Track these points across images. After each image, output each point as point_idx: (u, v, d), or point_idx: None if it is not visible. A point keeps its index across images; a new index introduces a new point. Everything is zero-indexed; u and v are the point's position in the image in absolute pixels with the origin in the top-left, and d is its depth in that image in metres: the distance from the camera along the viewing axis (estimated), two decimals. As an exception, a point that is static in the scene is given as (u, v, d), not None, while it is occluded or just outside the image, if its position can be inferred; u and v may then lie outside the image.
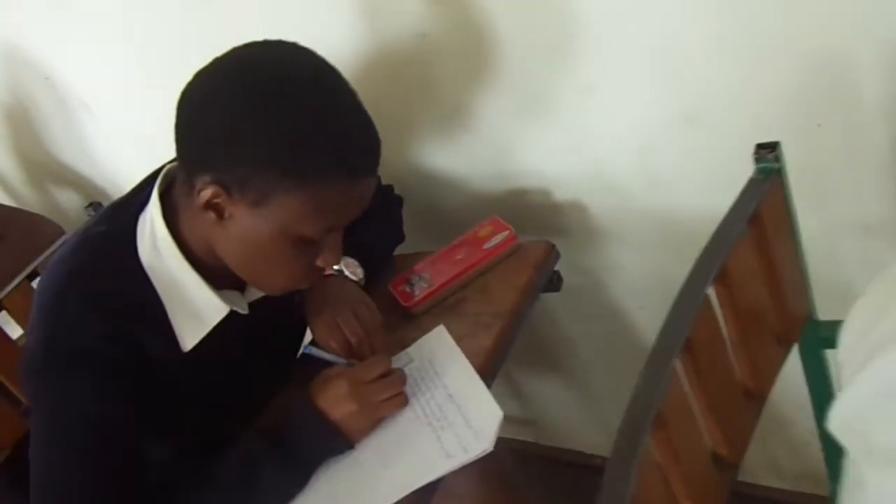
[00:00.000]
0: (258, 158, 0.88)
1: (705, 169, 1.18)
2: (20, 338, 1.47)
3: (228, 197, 0.90)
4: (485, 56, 1.25)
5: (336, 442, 1.02)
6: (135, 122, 1.85)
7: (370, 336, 1.14)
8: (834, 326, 0.98)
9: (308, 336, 1.25)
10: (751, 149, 1.11)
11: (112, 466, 0.96)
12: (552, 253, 1.26)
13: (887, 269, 0.62)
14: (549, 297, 1.31)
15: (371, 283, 1.27)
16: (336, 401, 1.02)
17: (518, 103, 1.28)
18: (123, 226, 1.01)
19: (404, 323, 1.24)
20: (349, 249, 1.12)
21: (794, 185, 0.99)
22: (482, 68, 1.27)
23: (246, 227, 0.93)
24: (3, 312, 1.42)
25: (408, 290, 1.26)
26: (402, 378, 1.06)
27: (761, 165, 0.84)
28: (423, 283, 1.26)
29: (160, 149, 1.81)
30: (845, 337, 0.62)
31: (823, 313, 1.07)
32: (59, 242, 1.57)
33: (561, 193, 1.36)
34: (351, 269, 1.24)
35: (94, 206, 1.60)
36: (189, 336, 1.02)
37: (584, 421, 1.77)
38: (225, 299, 1.03)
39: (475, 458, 0.97)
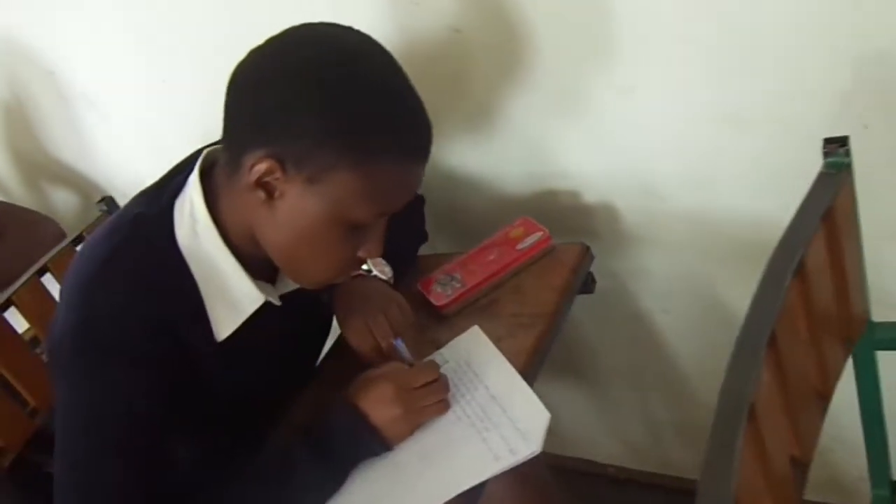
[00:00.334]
0: (321, 132, 0.85)
1: (745, 171, 1.17)
2: (26, 331, 1.41)
3: (283, 173, 0.87)
4: (519, 53, 1.23)
5: (375, 444, 0.99)
6: (140, 120, 1.81)
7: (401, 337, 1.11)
8: (890, 329, 0.98)
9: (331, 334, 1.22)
10: (794, 151, 1.11)
11: (145, 463, 0.92)
12: (587, 254, 1.24)
13: None
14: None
15: (396, 283, 1.24)
16: (379, 403, 0.99)
17: (552, 102, 1.26)
18: (160, 209, 0.97)
19: (435, 323, 1.22)
20: None
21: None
22: (516, 65, 1.24)
23: (296, 207, 0.90)
24: (12, 309, 1.36)
25: (439, 290, 1.23)
26: (446, 384, 1.03)
27: (831, 160, 0.82)
28: (455, 283, 1.23)
29: (165, 147, 1.79)
30: None
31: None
32: (64, 243, 1.50)
33: (591, 195, 1.34)
34: (379, 268, 1.21)
35: (105, 201, 1.55)
36: (224, 325, 0.99)
37: (601, 429, 1.75)
38: (260, 289, 0.99)
39: (523, 461, 0.94)
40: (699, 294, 1.38)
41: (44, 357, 1.43)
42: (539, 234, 1.25)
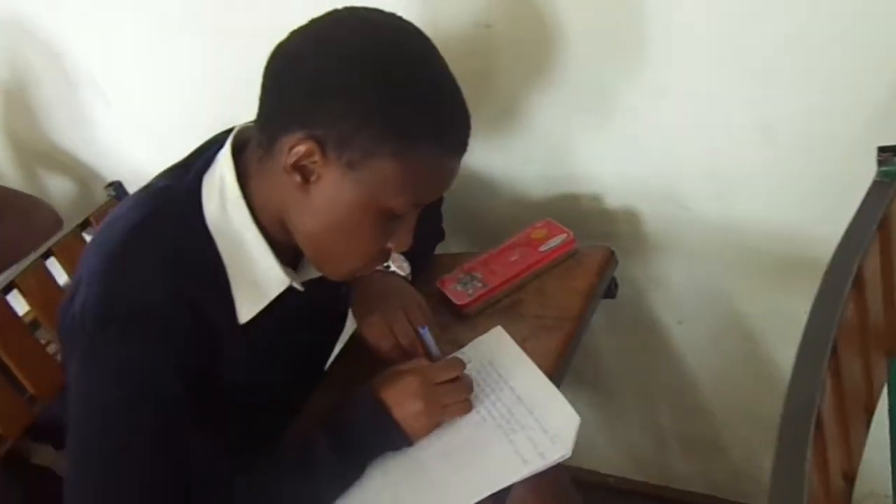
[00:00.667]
0: (364, 117, 0.84)
1: (776, 182, 1.16)
2: (26, 314, 1.37)
3: (322, 156, 0.85)
4: (549, 51, 1.21)
5: (395, 438, 0.97)
6: (146, 108, 1.77)
7: (421, 337, 1.09)
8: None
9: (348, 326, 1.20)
10: (828, 164, 1.10)
11: (170, 446, 0.89)
12: (612, 259, 1.22)
13: None
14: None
15: (414, 281, 1.22)
16: (403, 397, 0.97)
17: (579, 102, 1.24)
18: (188, 184, 0.94)
19: (455, 323, 1.19)
20: None
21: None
22: (545, 64, 1.23)
23: (332, 192, 0.88)
24: (14, 292, 1.32)
25: (459, 289, 1.21)
26: (469, 384, 1.01)
27: (885, 168, 0.81)
28: (476, 282, 1.21)
29: (171, 136, 1.76)
30: None
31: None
32: (70, 227, 1.46)
33: (612, 199, 1.33)
34: (398, 264, 1.19)
35: (114, 185, 1.51)
36: (247, 307, 0.96)
37: (603, 438, 1.73)
38: (285, 273, 0.97)
39: (552, 465, 0.92)
40: (716, 306, 1.37)
41: (44, 342, 1.39)
42: (563, 236, 1.23)
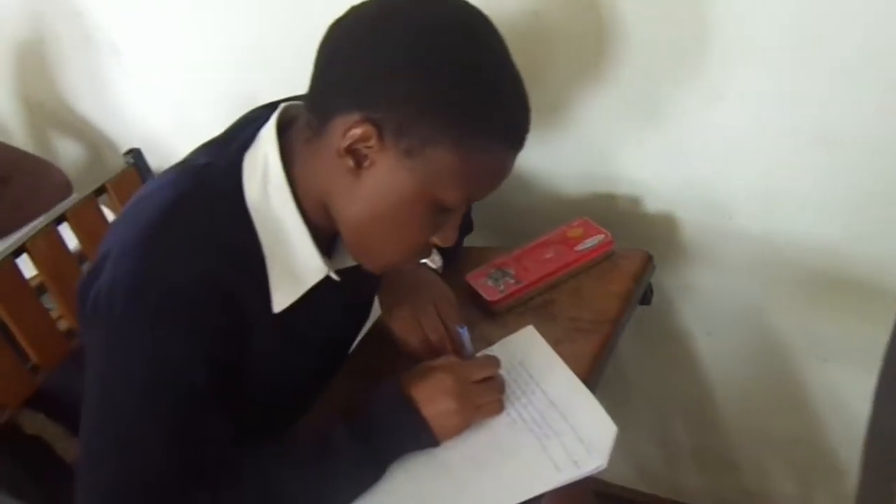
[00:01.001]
0: (428, 103, 0.79)
1: (827, 195, 1.12)
2: (32, 278, 1.31)
3: (379, 140, 0.81)
4: (601, 45, 1.17)
5: (422, 437, 0.93)
6: (166, 74, 1.71)
7: (451, 333, 1.04)
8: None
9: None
10: (885, 181, 1.06)
11: (185, 434, 0.85)
12: (650, 264, 1.18)
13: None
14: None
15: (442, 274, 1.18)
16: (435, 395, 0.92)
17: (629, 102, 1.20)
18: (228, 162, 0.89)
19: (484, 319, 1.15)
20: None
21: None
22: (595, 59, 1.18)
23: (385, 179, 0.83)
24: (24, 256, 1.27)
25: (490, 284, 1.16)
26: (502, 383, 0.97)
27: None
28: (508, 279, 1.16)
29: (189, 105, 1.71)
30: None
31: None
32: (85, 193, 1.40)
33: (652, 204, 1.28)
34: (430, 257, 1.15)
35: (133, 153, 1.46)
36: (282, 296, 0.91)
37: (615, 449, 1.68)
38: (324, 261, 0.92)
39: (587, 475, 0.88)
40: (748, 320, 1.33)
41: (50, 307, 1.33)
42: (601, 236, 1.18)
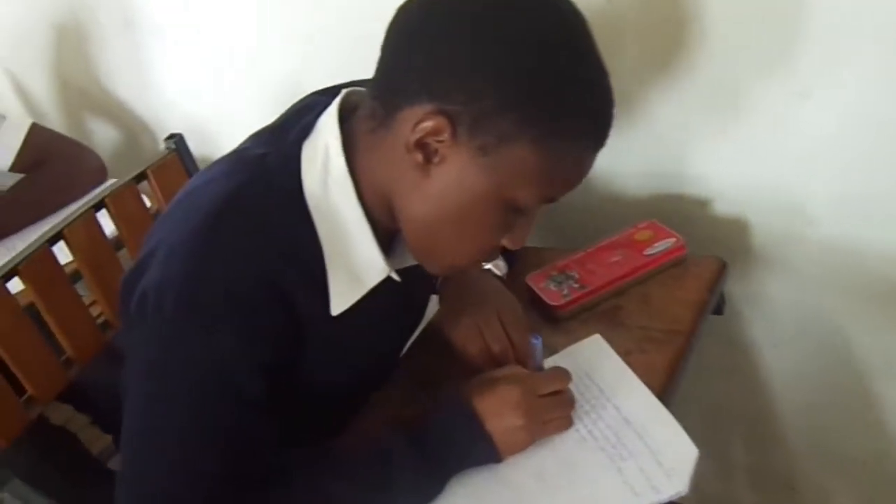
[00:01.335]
0: (508, 96, 0.72)
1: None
2: (67, 264, 1.26)
3: (453, 136, 0.74)
4: (675, 35, 1.10)
5: (485, 453, 0.86)
6: (208, 59, 1.66)
7: (516, 344, 0.97)
8: None
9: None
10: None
11: (235, 443, 0.80)
12: (724, 271, 1.10)
13: None
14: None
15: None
16: (501, 409, 0.85)
17: (704, 97, 1.12)
18: (286, 152, 0.83)
19: (545, 325, 1.08)
20: None
21: None
22: (671, 50, 1.11)
23: (455, 177, 0.76)
24: (61, 244, 1.21)
25: (553, 288, 1.09)
26: (572, 398, 0.90)
27: None
28: (572, 282, 1.09)
29: (230, 92, 1.65)
30: None
31: None
32: (125, 179, 1.34)
33: (723, 206, 1.21)
34: (494, 262, 1.08)
35: (175, 139, 1.40)
36: (341, 297, 0.85)
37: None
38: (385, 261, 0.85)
39: (666, 501, 0.81)
40: (820, 333, 1.25)
41: (82, 293, 1.28)
42: (671, 240, 1.11)
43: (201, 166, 1.51)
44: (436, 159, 0.76)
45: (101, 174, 1.72)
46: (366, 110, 0.82)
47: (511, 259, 1.15)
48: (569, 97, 0.75)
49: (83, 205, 1.24)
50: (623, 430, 0.88)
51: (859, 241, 1.11)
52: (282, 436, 0.91)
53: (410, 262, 0.90)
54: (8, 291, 1.13)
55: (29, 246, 1.16)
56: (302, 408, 0.92)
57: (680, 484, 0.82)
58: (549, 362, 0.97)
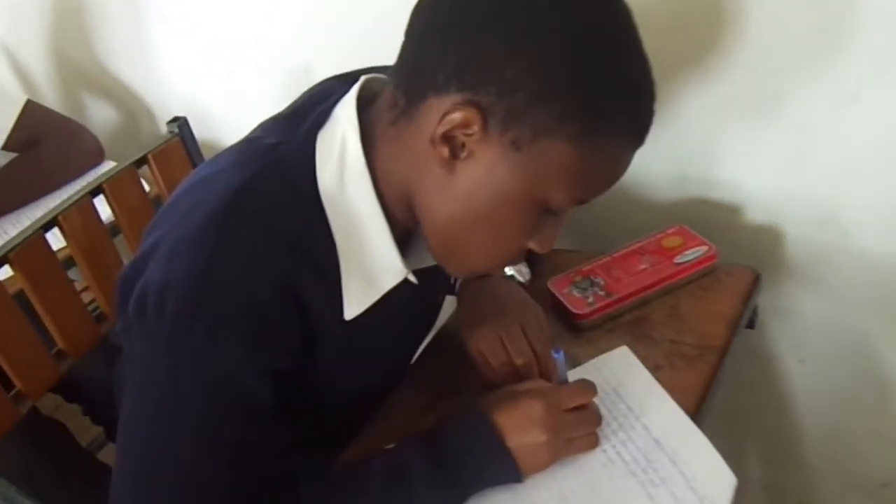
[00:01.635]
0: (546, 88, 0.66)
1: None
2: (60, 249, 1.19)
3: (483, 128, 0.68)
4: (715, 31, 1.03)
5: (506, 471, 0.80)
6: (213, 45, 1.58)
7: (539, 357, 0.90)
8: None
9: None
10: None
11: (241, 458, 0.74)
12: (758, 283, 1.04)
13: None
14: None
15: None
16: (524, 424, 0.79)
17: (742, 99, 1.07)
18: (299, 142, 0.76)
19: (566, 333, 1.02)
20: None
21: None
22: (707, 47, 1.05)
23: (484, 174, 0.70)
24: (55, 231, 1.14)
25: (577, 294, 1.03)
26: (598, 415, 0.84)
27: None
28: (598, 289, 1.03)
29: (233, 80, 1.58)
30: None
31: None
32: (125, 164, 1.27)
33: (755, 214, 1.15)
34: (517, 268, 1.02)
35: (178, 122, 1.33)
36: (355, 300, 0.79)
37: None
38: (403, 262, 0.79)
39: (701, 533, 0.75)
40: (850, 349, 1.20)
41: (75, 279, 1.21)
42: (703, 248, 1.05)
43: (204, 152, 1.44)
44: (463, 154, 0.70)
45: (98, 156, 1.65)
46: (387, 99, 0.76)
47: (533, 263, 1.09)
48: (611, 91, 0.68)
49: (79, 190, 1.17)
50: (654, 453, 0.83)
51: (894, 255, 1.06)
52: (290, 442, 0.85)
53: (428, 262, 0.84)
54: (-3, 279, 1.07)
55: (21, 232, 1.10)
56: (311, 414, 0.86)
57: (717, 514, 0.76)
58: (572, 375, 0.90)
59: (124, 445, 0.74)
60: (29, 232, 1.10)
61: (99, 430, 1.57)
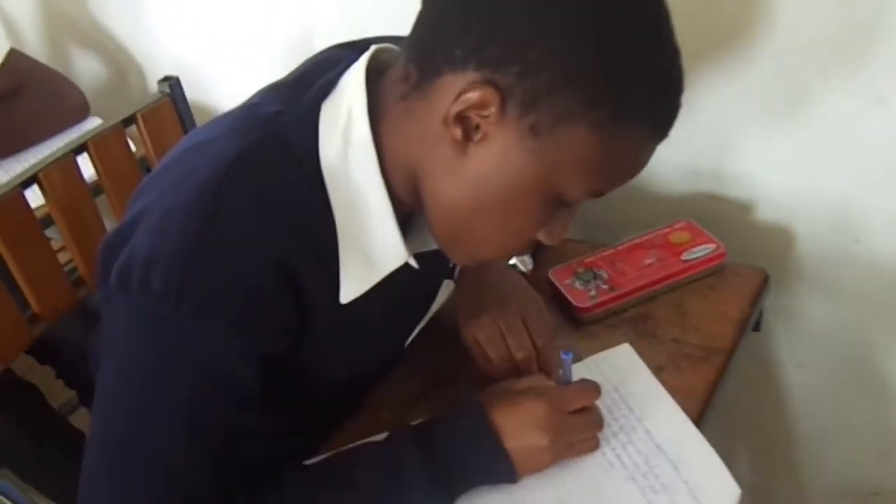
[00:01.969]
0: (578, 71, 0.61)
1: None
2: (39, 208, 1.14)
3: (500, 111, 0.63)
4: (739, 23, 0.99)
5: (501, 472, 0.76)
6: (207, 6, 1.52)
7: (540, 351, 0.86)
8: None
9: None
10: None
11: (223, 444, 0.71)
12: (766, 284, 1.01)
13: None
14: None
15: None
16: (524, 427, 0.76)
17: (761, 92, 1.03)
18: (303, 112, 0.71)
19: (566, 325, 0.99)
20: None
21: None
22: (729, 37, 1.01)
23: (497, 159, 0.66)
24: (34, 188, 1.09)
25: (579, 286, 0.99)
26: (600, 417, 0.80)
27: None
28: (601, 282, 1.00)
29: (228, 44, 1.52)
30: None
31: None
32: (112, 122, 1.21)
33: (766, 213, 1.11)
34: (520, 258, 0.97)
35: (170, 81, 1.27)
36: (353, 284, 0.74)
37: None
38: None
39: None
40: (850, 356, 1.17)
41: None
42: (711, 246, 1.02)
43: (195, 115, 1.38)
44: (477, 137, 0.65)
45: (82, 110, 1.60)
46: (398, 72, 0.70)
47: (535, 251, 1.05)
48: (640, 79, 0.64)
49: (63, 146, 1.11)
50: (655, 458, 0.79)
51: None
52: (275, 430, 0.81)
53: (430, 246, 0.79)
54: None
55: (-1, 188, 1.04)
56: (298, 400, 0.82)
57: (719, 526, 0.73)
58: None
59: (100, 425, 0.69)
60: (7, 188, 1.04)
61: (71, 393, 1.53)
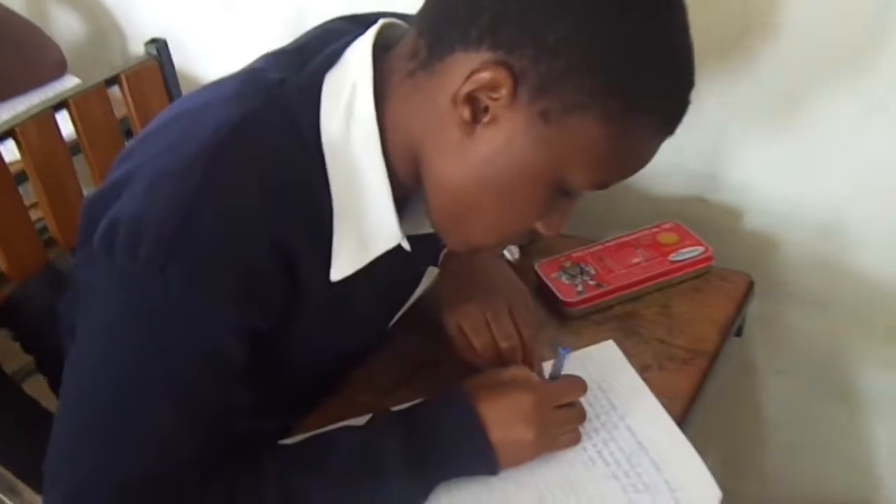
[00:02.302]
0: (593, 58, 0.60)
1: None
2: (13, 163, 1.09)
3: (512, 94, 0.61)
4: (742, 28, 0.98)
5: (484, 464, 0.75)
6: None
7: (525, 343, 0.85)
8: None
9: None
10: None
11: (211, 421, 0.69)
12: (751, 290, 1.01)
13: None
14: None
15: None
16: (510, 419, 0.75)
17: (763, 101, 1.03)
18: (306, 82, 0.68)
19: (552, 320, 0.98)
20: None
21: None
22: (730, 42, 1.00)
23: (505, 144, 0.64)
24: (10, 142, 1.05)
25: (565, 281, 0.98)
26: (583, 412, 0.79)
27: None
28: (587, 278, 0.99)
29: (215, 13, 1.48)
30: None
31: None
32: (95, 82, 1.17)
33: (754, 218, 1.11)
34: (507, 248, 0.96)
35: (158, 43, 1.23)
36: (344, 262, 0.72)
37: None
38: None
39: (681, 547, 0.71)
40: (830, 365, 1.18)
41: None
42: (699, 249, 1.01)
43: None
44: (485, 119, 0.64)
45: (59, 67, 1.55)
46: (406, 47, 0.68)
47: (524, 245, 1.04)
48: (656, 71, 0.63)
49: (42, 102, 1.07)
50: (637, 457, 0.79)
51: (892, 278, 1.03)
52: (255, 407, 0.79)
53: (424, 229, 0.77)
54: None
55: (-28, 142, 1.00)
56: (279, 377, 0.80)
57: (698, 529, 0.72)
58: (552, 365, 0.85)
59: (76, 391, 0.67)
60: (-19, 143, 1.01)
61: (28, 358, 1.48)
